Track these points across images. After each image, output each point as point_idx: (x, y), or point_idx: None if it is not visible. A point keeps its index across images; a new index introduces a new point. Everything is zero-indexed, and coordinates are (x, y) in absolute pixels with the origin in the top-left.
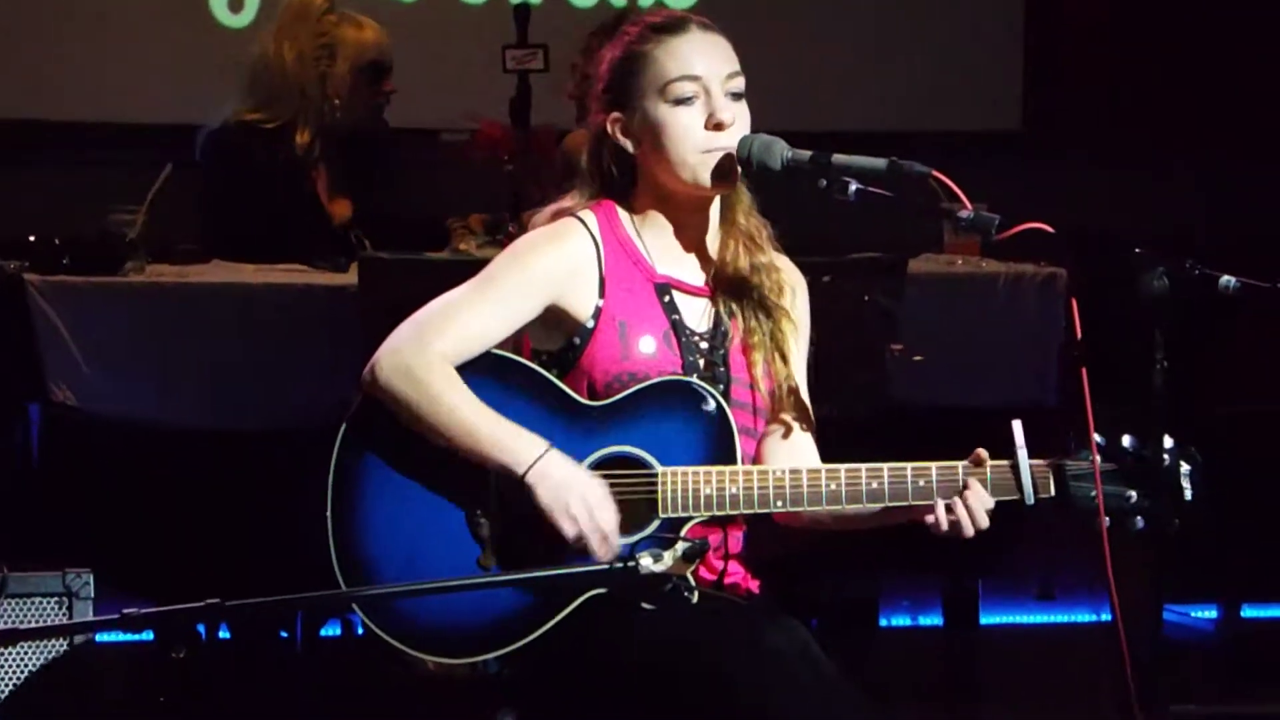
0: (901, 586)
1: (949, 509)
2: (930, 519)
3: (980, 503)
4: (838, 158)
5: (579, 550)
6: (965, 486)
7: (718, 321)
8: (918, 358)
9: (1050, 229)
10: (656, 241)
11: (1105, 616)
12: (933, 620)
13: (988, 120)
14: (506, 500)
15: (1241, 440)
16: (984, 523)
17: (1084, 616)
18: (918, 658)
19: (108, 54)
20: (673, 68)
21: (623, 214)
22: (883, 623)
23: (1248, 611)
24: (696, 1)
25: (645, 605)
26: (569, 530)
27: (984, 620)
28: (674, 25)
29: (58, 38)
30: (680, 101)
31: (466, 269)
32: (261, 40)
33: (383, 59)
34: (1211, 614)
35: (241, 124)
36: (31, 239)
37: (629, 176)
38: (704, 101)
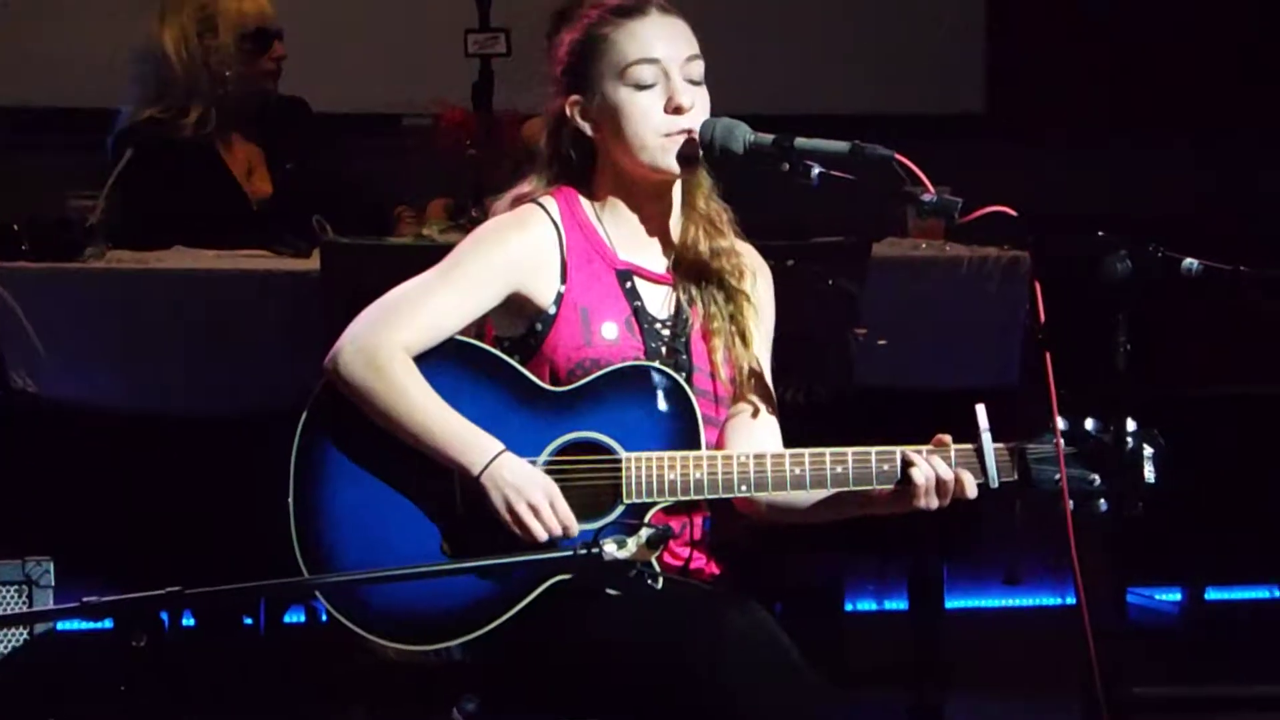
0: (866, 571)
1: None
2: (912, 477)
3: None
4: (800, 141)
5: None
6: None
7: (679, 309)
8: (881, 341)
9: (1013, 212)
10: (618, 228)
11: (1070, 599)
12: (898, 604)
13: (950, 103)
14: (471, 487)
15: (1205, 423)
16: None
17: (1049, 600)
18: (883, 641)
19: (64, 37)
20: (632, 50)
21: (584, 199)
22: (848, 607)
23: (1211, 594)
24: None
25: (610, 591)
26: (532, 528)
27: (949, 604)
28: (633, 8)
29: (11, 21)
30: (639, 85)
31: (429, 254)
32: (143, 29)
33: (266, 26)
34: (1176, 597)
35: (140, 120)
36: None
37: (588, 160)
38: (663, 85)
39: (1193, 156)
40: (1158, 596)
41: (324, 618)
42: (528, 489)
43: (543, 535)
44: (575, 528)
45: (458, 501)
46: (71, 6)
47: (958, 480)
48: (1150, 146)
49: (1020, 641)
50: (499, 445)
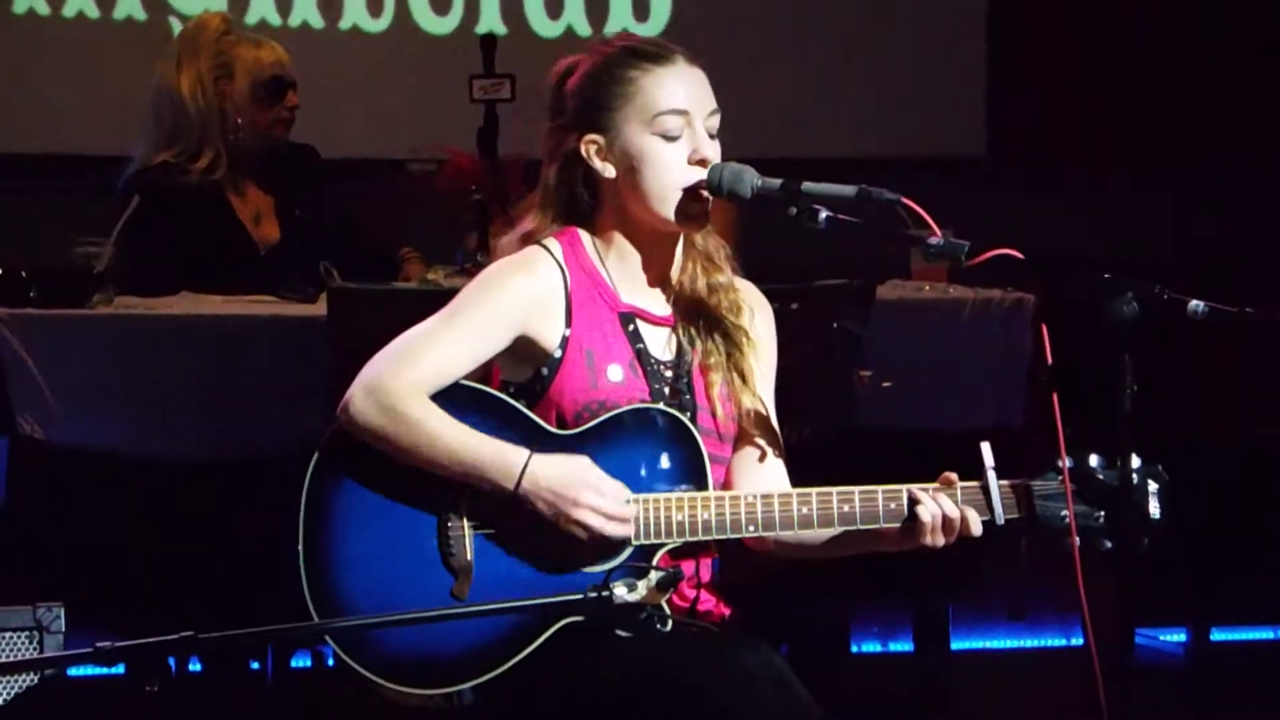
0: (871, 612)
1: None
2: (919, 515)
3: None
4: (807, 185)
5: (556, 568)
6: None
7: (680, 349)
8: (886, 384)
9: (1020, 255)
10: (621, 270)
11: (1075, 640)
12: (903, 645)
13: (952, 146)
14: (481, 528)
15: (1209, 463)
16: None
17: (1055, 640)
18: (889, 682)
19: (70, 84)
20: (662, 100)
21: (586, 241)
22: (853, 648)
23: (1217, 635)
24: (662, 30)
25: (620, 633)
26: (591, 526)
27: (955, 645)
28: (661, 55)
29: (18, 67)
30: (666, 136)
31: (435, 299)
32: (158, 71)
33: (283, 75)
34: (1180, 637)
35: (149, 166)
36: None
37: (596, 201)
38: (688, 137)
39: (1195, 200)
40: (1163, 637)
41: (331, 662)
42: (568, 487)
43: (598, 529)
44: (624, 504)
45: (466, 544)
46: (77, 53)
47: (963, 519)
48: (1151, 188)
49: (1026, 682)
50: (525, 453)
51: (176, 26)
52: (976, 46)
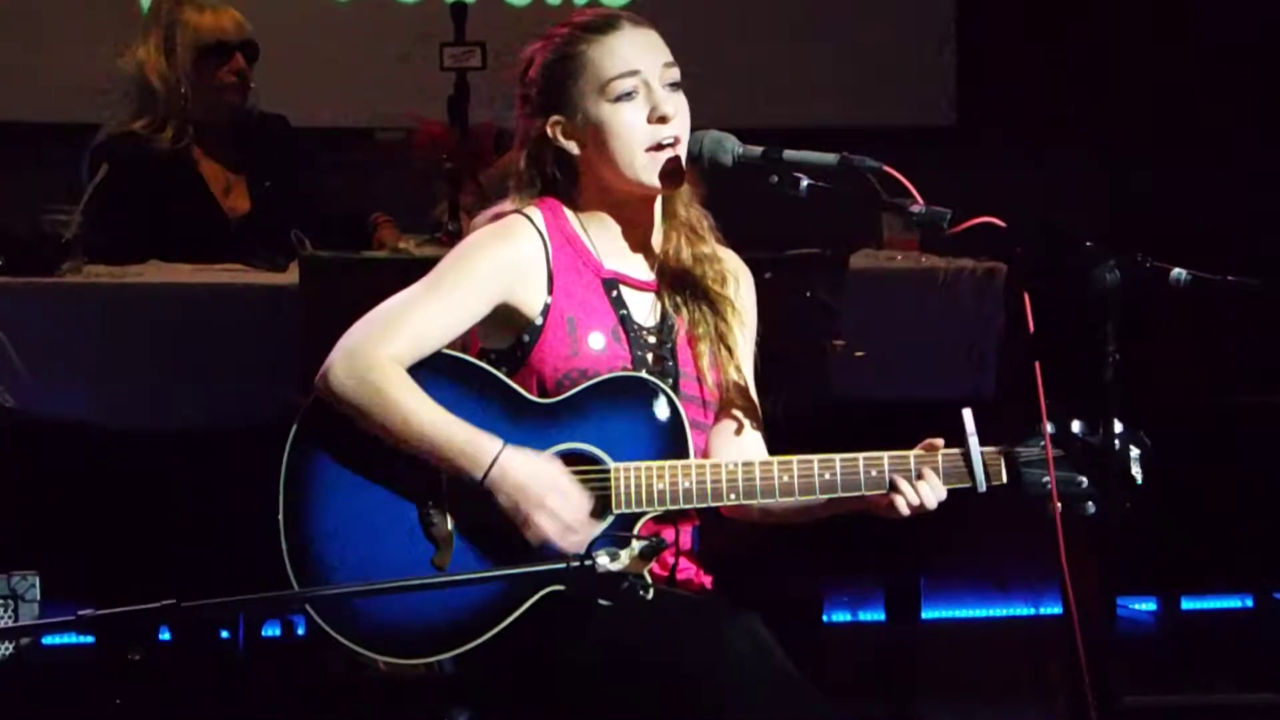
0: (843, 583)
1: (907, 493)
2: (895, 503)
3: (934, 492)
4: (789, 153)
5: (534, 545)
6: (919, 475)
7: (664, 315)
8: (859, 353)
9: (1002, 223)
10: (602, 237)
11: (1045, 609)
12: (875, 615)
13: (920, 115)
14: (461, 498)
15: (1178, 432)
16: (931, 507)
17: (1023, 610)
18: (860, 653)
19: (39, 52)
20: (610, 65)
21: (568, 211)
22: (825, 619)
23: (1187, 604)
24: (629, 0)
25: (603, 601)
26: (542, 529)
27: (926, 615)
28: (606, 24)
29: None
30: (621, 98)
31: (406, 267)
32: (120, 45)
33: (223, 40)
34: (1151, 606)
35: (117, 135)
36: None
37: (571, 176)
38: (644, 96)
39: (1164, 170)
40: (1133, 606)
41: (301, 631)
42: (533, 488)
43: (553, 537)
44: (585, 516)
45: (446, 507)
46: (45, 23)
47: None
48: (1119, 160)
49: (998, 651)
50: (498, 444)
51: None
52: (946, 14)
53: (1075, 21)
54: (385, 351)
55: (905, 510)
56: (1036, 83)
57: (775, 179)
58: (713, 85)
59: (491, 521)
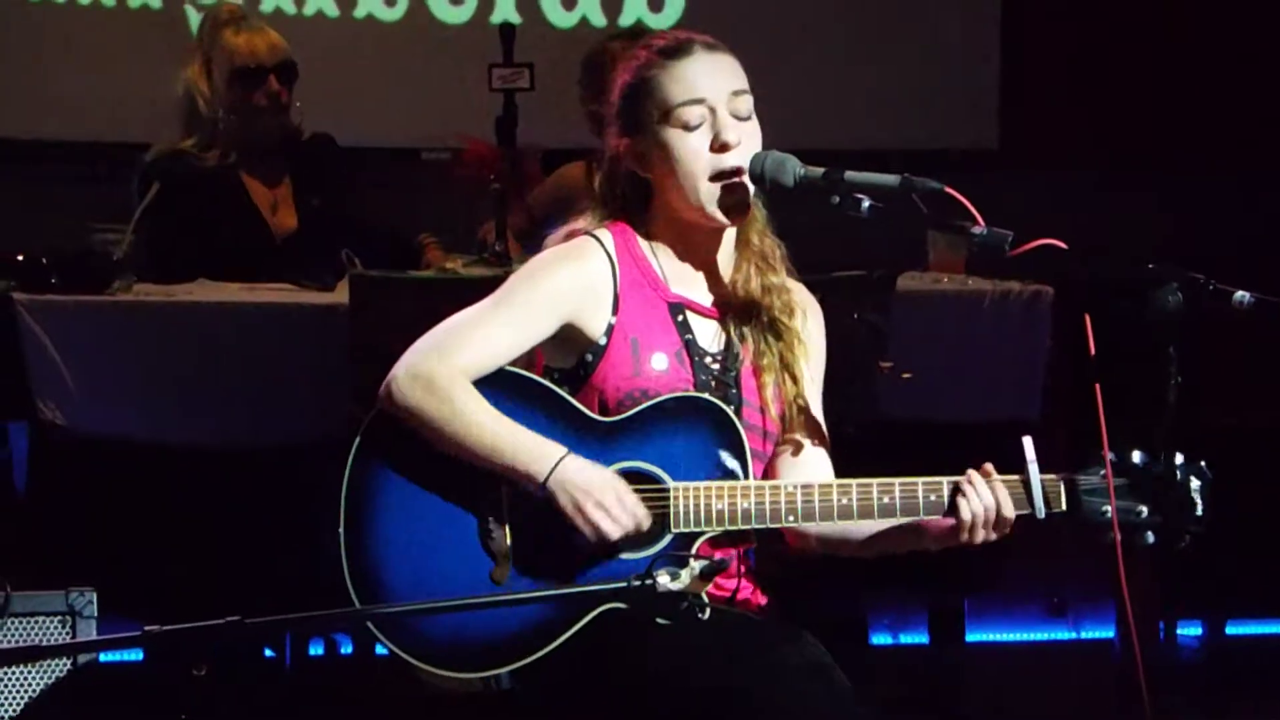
0: (886, 605)
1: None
2: (959, 509)
3: (1005, 504)
4: (850, 175)
5: (594, 554)
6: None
7: (729, 343)
8: (906, 375)
9: (1064, 245)
10: (671, 262)
11: (1086, 634)
12: (918, 638)
13: (964, 138)
14: (520, 512)
15: (1223, 455)
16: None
17: (1066, 634)
18: (906, 676)
19: (92, 73)
20: (677, 92)
21: (637, 235)
22: (871, 641)
23: (1232, 629)
24: (677, 21)
25: (661, 620)
26: (602, 527)
27: (970, 638)
28: (678, 49)
29: (34, 55)
30: (686, 127)
31: (457, 287)
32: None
33: (260, 63)
34: (1196, 631)
35: (167, 153)
36: (20, 258)
37: (643, 200)
38: (709, 124)
39: (1207, 192)
40: (1179, 631)
41: (345, 650)
42: (595, 488)
43: (615, 532)
44: (646, 521)
45: (507, 522)
46: (98, 45)
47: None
48: (1162, 182)
49: (1045, 675)
50: (562, 450)
51: (192, 15)
52: (990, 38)
53: (1120, 45)
54: (453, 364)
55: (967, 516)
56: (1080, 104)
57: (836, 200)
58: (754, 107)
59: (550, 536)
